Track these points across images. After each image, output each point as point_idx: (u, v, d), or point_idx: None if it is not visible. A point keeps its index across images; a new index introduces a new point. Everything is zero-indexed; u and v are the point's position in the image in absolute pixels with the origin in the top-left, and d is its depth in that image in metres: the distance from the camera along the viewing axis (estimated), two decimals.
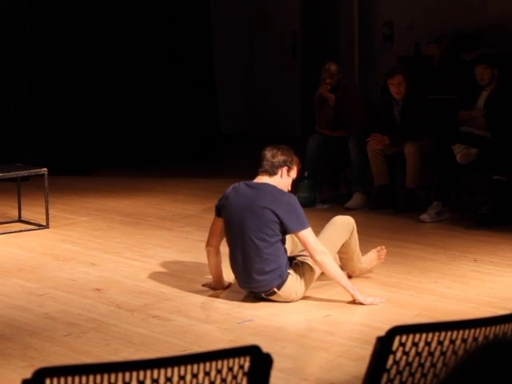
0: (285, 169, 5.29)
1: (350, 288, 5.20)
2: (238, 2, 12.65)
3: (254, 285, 5.24)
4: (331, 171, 8.75)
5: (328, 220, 5.65)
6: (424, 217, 7.38)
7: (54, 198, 8.02)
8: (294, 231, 5.16)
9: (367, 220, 7.53)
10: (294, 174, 5.38)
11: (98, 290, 5.62)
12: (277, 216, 5.12)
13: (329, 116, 8.33)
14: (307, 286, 5.33)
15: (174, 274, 5.90)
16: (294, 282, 5.23)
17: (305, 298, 5.38)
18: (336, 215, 5.74)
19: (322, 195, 8.28)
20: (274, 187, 5.25)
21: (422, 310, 5.13)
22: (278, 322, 4.99)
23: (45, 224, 7.39)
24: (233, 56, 12.61)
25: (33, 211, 7.86)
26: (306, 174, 8.00)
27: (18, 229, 7.37)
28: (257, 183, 5.30)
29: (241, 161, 10.23)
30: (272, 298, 5.24)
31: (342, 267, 5.59)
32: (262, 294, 5.24)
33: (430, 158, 7.78)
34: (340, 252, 5.60)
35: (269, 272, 5.17)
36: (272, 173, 5.28)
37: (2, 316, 5.13)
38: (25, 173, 7.60)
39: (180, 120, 11.06)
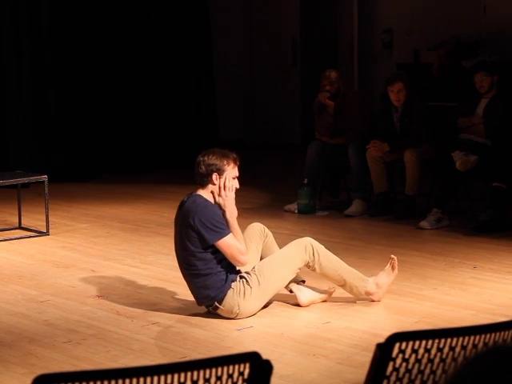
0: (214, 175, 5.13)
1: (235, 227, 5.13)
2: (237, 10, 12.67)
3: (203, 300, 5.17)
4: (331, 178, 8.74)
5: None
6: (423, 224, 7.38)
7: (54, 205, 8.03)
8: (213, 242, 5.04)
9: (367, 227, 7.54)
10: (231, 173, 5.17)
11: (98, 296, 5.62)
12: (194, 231, 5.02)
13: (328, 123, 8.33)
14: (257, 299, 5.15)
15: (173, 281, 5.89)
16: (234, 296, 5.08)
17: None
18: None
19: (321, 202, 8.28)
20: (196, 201, 5.08)
21: (422, 317, 5.12)
22: (278, 328, 4.98)
23: (45, 231, 7.39)
24: (232, 63, 12.62)
25: (33, 218, 7.86)
26: (305, 180, 8.01)
27: (18, 236, 7.37)
28: (189, 195, 5.18)
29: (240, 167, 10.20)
30: (218, 312, 5.14)
31: (357, 296, 5.40)
32: (210, 309, 5.17)
33: (429, 165, 7.78)
34: (332, 281, 5.37)
35: (208, 287, 5.08)
36: (204, 184, 5.14)
37: (2, 323, 5.13)
38: (25, 180, 7.60)
39: (179, 127, 11.08)
